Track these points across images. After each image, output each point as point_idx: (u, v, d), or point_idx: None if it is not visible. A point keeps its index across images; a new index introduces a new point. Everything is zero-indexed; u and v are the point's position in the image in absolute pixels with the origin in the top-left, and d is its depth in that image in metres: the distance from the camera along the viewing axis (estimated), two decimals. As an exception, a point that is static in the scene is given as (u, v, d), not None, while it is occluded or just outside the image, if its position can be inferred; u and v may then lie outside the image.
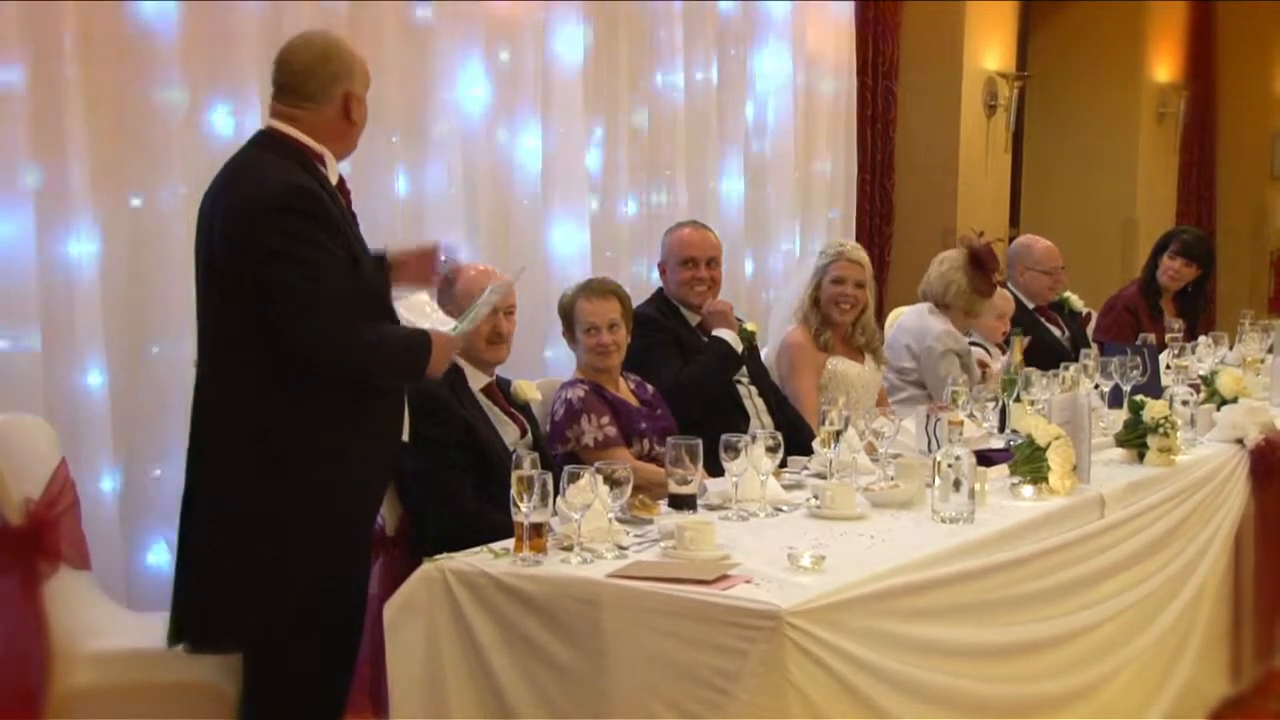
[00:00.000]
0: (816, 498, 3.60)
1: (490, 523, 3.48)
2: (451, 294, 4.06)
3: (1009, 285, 6.38)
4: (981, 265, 5.64)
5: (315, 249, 3.17)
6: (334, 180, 3.37)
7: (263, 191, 3.20)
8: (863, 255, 5.24)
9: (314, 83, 3.33)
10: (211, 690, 3.44)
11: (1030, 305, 6.39)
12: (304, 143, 3.32)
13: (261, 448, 3.22)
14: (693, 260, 4.90)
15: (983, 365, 5.66)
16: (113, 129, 4.20)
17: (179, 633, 3.33)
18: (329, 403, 3.24)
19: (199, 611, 3.30)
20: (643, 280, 5.99)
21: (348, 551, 3.33)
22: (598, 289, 4.44)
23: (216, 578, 3.26)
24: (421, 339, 3.38)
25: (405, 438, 3.49)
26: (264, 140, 3.36)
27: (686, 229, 5.02)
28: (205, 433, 3.30)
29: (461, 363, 3.91)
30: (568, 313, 4.44)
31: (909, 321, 5.76)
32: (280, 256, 3.14)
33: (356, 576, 3.38)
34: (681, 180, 6.34)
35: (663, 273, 5.02)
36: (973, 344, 5.98)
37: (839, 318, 5.12)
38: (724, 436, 3.50)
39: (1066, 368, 4.82)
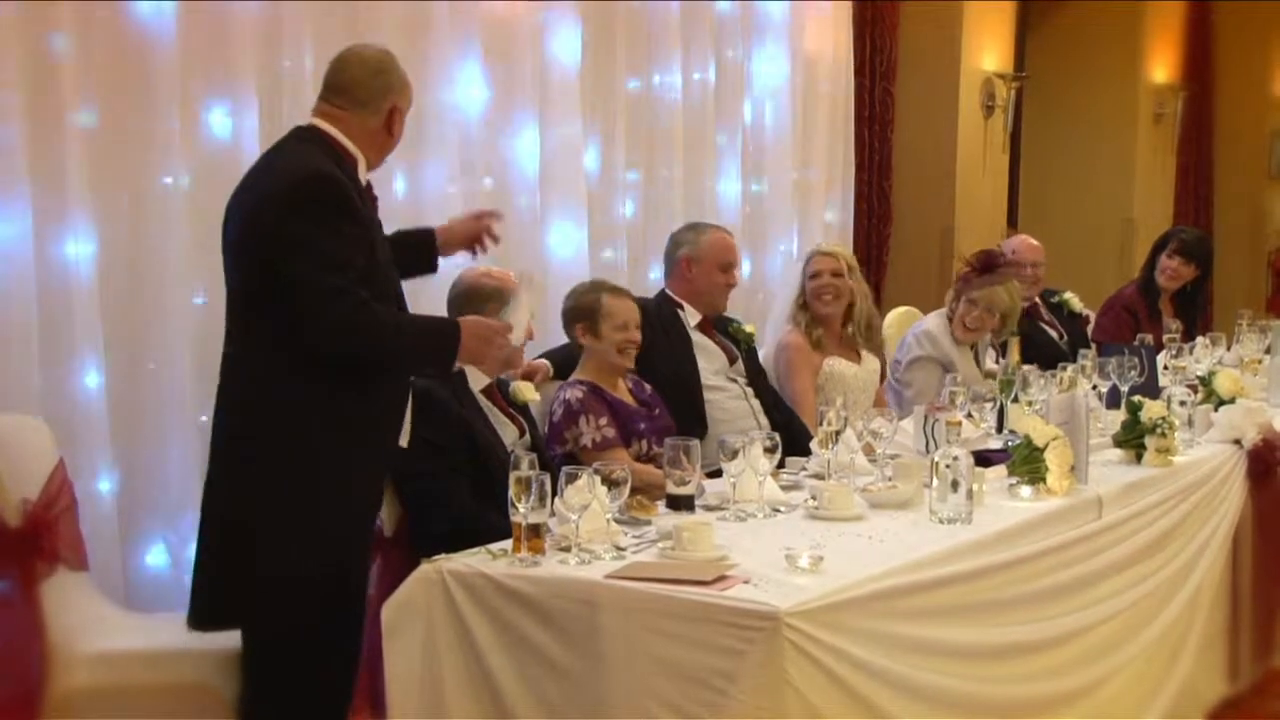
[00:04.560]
0: (814, 498, 3.60)
1: (488, 523, 3.48)
2: (455, 296, 4.08)
3: (1001, 285, 6.39)
4: (982, 270, 5.60)
5: (334, 235, 3.21)
6: (363, 182, 3.44)
7: (287, 178, 3.27)
8: (839, 249, 5.37)
9: (366, 91, 3.42)
10: (208, 691, 3.45)
11: (1024, 304, 6.39)
12: (342, 143, 3.40)
13: (267, 435, 3.26)
14: (731, 265, 4.94)
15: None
16: (110, 129, 4.19)
17: (191, 615, 3.38)
18: (335, 393, 3.26)
19: (209, 595, 3.34)
20: (639, 282, 5.98)
21: (346, 544, 3.34)
22: (619, 289, 4.50)
23: (222, 563, 3.30)
24: (448, 325, 3.41)
25: (404, 443, 3.50)
26: (303, 134, 3.44)
27: (722, 233, 5.07)
28: (223, 415, 3.36)
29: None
30: (591, 309, 4.40)
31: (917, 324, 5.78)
32: (300, 243, 3.19)
33: (355, 571, 3.39)
34: (679, 181, 6.35)
35: (685, 267, 4.98)
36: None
37: (823, 310, 5.18)
38: (722, 437, 3.50)
39: (1064, 368, 4.82)
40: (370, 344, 3.24)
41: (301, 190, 3.23)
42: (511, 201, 5.52)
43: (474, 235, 3.87)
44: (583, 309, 4.43)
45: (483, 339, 3.40)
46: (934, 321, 5.62)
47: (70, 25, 4.02)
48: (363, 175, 3.43)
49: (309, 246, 3.18)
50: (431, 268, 3.90)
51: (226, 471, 3.32)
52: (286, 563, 3.23)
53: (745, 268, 6.90)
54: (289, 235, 3.19)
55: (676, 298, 4.98)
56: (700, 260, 4.96)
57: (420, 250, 3.81)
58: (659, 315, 4.90)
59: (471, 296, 4.00)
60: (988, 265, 5.57)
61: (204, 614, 3.35)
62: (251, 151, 4.40)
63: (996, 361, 5.84)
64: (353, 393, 3.28)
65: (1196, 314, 7.10)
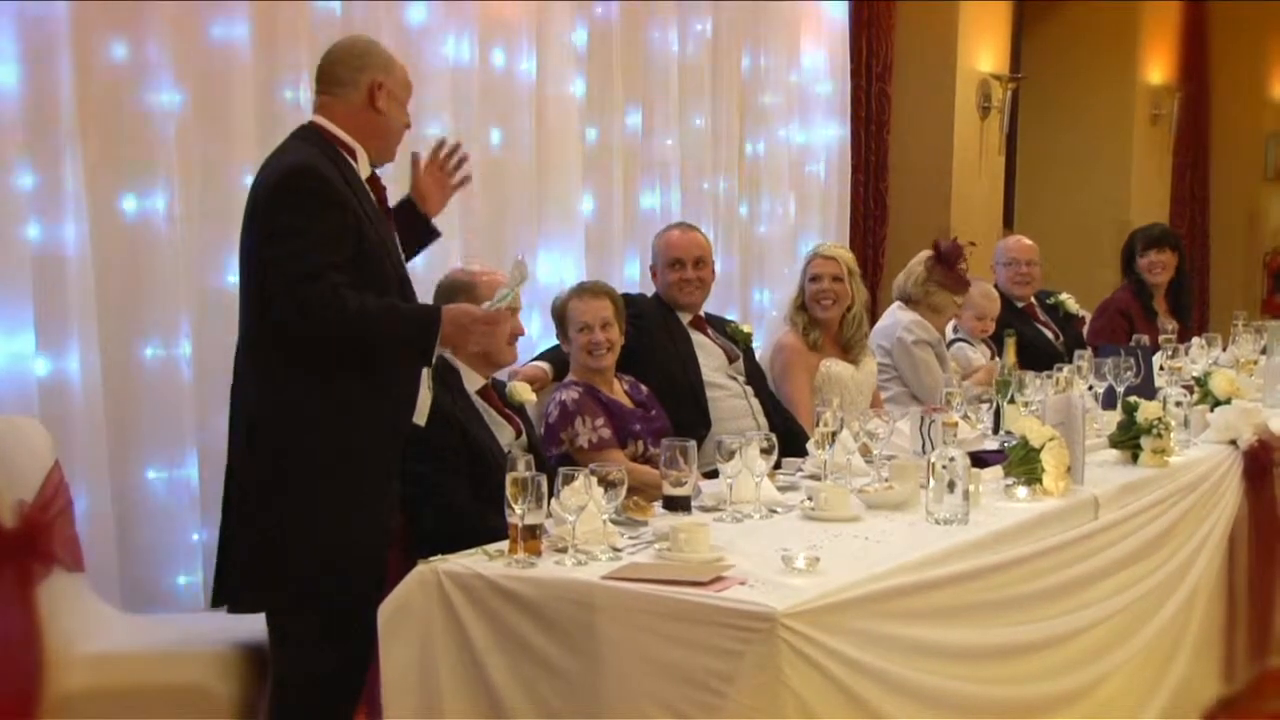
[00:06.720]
0: (811, 499, 3.60)
1: (485, 524, 3.47)
2: (437, 291, 4.07)
3: (997, 286, 6.40)
4: (943, 259, 5.69)
5: (311, 224, 3.25)
6: (364, 175, 3.47)
7: (274, 174, 3.34)
8: (840, 252, 5.34)
9: (344, 68, 3.48)
10: (206, 692, 3.46)
11: (1019, 305, 6.40)
12: (336, 135, 3.44)
13: (274, 423, 3.31)
14: (679, 261, 4.94)
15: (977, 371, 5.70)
16: (106, 130, 4.20)
17: (217, 595, 3.44)
18: (338, 379, 3.30)
19: (230, 575, 3.39)
20: (636, 282, 5.99)
21: (357, 526, 3.36)
22: (590, 289, 4.49)
23: (240, 544, 3.36)
24: (428, 312, 3.42)
25: (421, 421, 3.53)
26: (300, 132, 3.50)
27: (674, 231, 5.07)
28: (237, 404, 3.41)
29: (458, 364, 3.92)
30: (560, 314, 4.46)
31: (881, 323, 5.84)
32: (276, 231, 3.26)
33: (375, 559, 3.40)
34: (675, 182, 6.35)
35: (654, 275, 5.06)
36: (960, 340, 6.01)
37: (821, 314, 5.18)
38: (719, 438, 3.49)
39: (1060, 369, 4.82)
40: (339, 328, 3.24)
41: (283, 183, 3.30)
42: (508, 202, 5.54)
43: (442, 181, 3.84)
44: (555, 315, 4.50)
45: (460, 326, 3.40)
46: (904, 314, 5.70)
47: (67, 25, 4.02)
48: (363, 167, 3.46)
49: (283, 234, 3.25)
50: (432, 231, 3.87)
51: (243, 459, 3.38)
52: (309, 550, 3.28)
53: (741, 268, 6.92)
54: (268, 225, 3.29)
55: (665, 301, 5.01)
56: (656, 262, 5.05)
57: (410, 220, 3.78)
58: (657, 314, 4.92)
59: (449, 290, 4.01)
60: (950, 258, 5.66)
61: (229, 596, 3.40)
62: (252, 153, 4.41)
63: (994, 358, 5.86)
64: (357, 379, 3.31)
65: (1190, 305, 7.09)
